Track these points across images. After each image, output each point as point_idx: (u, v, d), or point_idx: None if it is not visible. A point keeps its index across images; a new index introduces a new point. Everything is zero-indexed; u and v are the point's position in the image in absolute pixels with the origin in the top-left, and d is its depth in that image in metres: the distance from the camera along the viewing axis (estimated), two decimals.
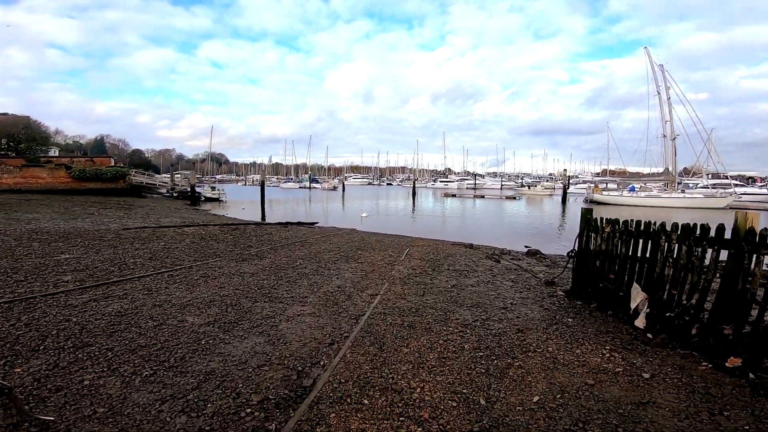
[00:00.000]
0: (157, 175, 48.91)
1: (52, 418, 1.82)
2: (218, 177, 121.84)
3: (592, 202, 40.39)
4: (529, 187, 61.77)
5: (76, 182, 35.46)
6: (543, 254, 11.36)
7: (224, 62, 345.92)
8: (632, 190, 42.15)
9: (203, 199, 38.90)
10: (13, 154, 45.86)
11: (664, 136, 41.28)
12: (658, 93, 41.12)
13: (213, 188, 42.86)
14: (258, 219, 22.68)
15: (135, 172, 45.19)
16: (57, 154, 50.83)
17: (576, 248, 5.64)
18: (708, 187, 39.91)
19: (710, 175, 43.08)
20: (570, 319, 4.71)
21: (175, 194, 41.30)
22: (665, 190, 40.39)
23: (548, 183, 68.32)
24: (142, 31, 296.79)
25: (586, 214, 5.35)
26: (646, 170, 47.91)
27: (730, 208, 34.44)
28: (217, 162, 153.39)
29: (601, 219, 5.12)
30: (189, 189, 37.50)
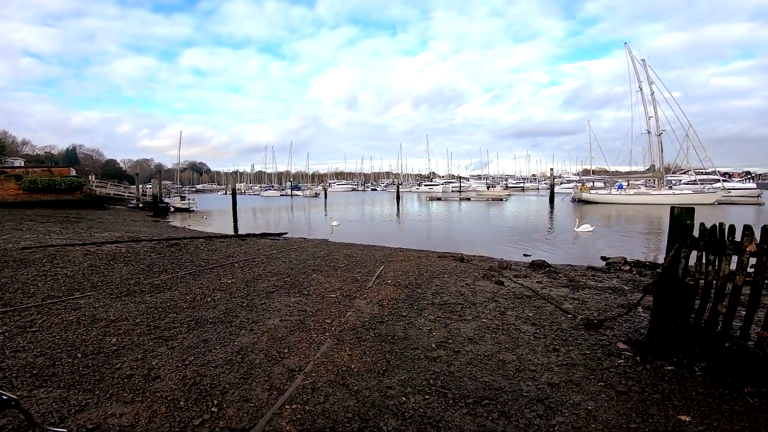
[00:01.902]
0: (123, 187, 45.59)
1: (65, 431, 1.58)
2: (198, 186, 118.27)
3: (580, 201, 39.10)
4: (488, 188, 60.04)
5: (26, 194, 32.29)
6: (551, 266, 9.08)
7: (206, 70, 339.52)
8: (620, 187, 41.07)
9: (172, 210, 36.15)
10: None
11: (648, 132, 40.33)
12: (641, 89, 40.17)
13: (183, 198, 39.92)
14: (227, 230, 20.08)
15: (97, 182, 42.04)
16: (22, 164, 47.15)
17: (661, 276, 3.31)
18: (696, 183, 38.84)
19: (690, 171, 42.14)
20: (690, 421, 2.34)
21: (140, 205, 38.33)
22: (653, 187, 39.34)
23: (502, 185, 67.55)
24: (121, 39, 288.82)
25: (685, 219, 3.02)
26: (625, 169, 46.94)
27: (719, 204, 33.59)
28: (198, 171, 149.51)
29: (722, 228, 2.82)
30: (153, 200, 34.46)
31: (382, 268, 7.82)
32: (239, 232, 18.43)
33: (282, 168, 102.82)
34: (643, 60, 39.78)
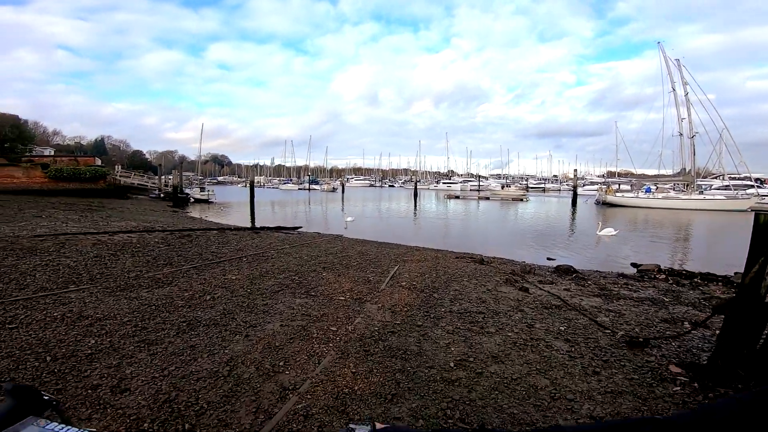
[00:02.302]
0: (147, 177, 46.37)
1: (95, 430, 1.18)
2: (220, 178, 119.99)
3: (605, 204, 37.69)
4: (502, 188, 58.50)
5: (52, 182, 32.97)
6: (578, 272, 8.44)
7: (232, 65, 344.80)
8: (648, 191, 39.36)
9: (192, 200, 36.58)
10: None
11: (680, 134, 38.57)
12: (674, 90, 38.43)
13: (202, 189, 40.33)
14: (244, 222, 19.96)
15: (121, 172, 42.89)
16: (52, 154, 48.58)
17: (738, 294, 2.74)
18: (729, 188, 36.96)
19: (723, 176, 40.19)
20: None
21: (162, 196, 38.90)
22: (683, 191, 37.63)
23: (521, 185, 65.73)
24: (151, 33, 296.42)
25: None
26: (652, 172, 45.12)
27: (752, 210, 31.78)
28: (220, 163, 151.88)
29: None
30: (173, 191, 34.86)
31: (396, 268, 7.35)
32: (255, 225, 18.26)
33: (301, 162, 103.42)
34: (677, 60, 38.03)
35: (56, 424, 0.67)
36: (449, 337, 3.79)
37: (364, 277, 6.49)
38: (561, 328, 4.17)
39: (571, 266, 8.78)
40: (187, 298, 4.86)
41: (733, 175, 39.12)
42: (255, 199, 30.80)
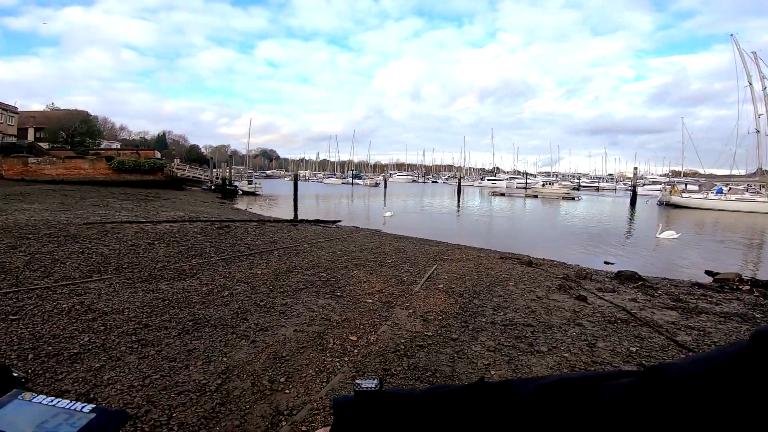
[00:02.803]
0: (201, 170, 48.61)
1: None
2: (268, 172, 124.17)
3: (669, 205, 34.59)
4: (543, 185, 54.89)
5: (115, 174, 35.25)
6: (643, 278, 7.40)
7: (279, 62, 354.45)
8: (720, 192, 35.63)
9: (240, 193, 37.84)
10: (69, 147, 47.40)
11: (757, 131, 34.52)
12: (750, 84, 34.38)
13: (250, 182, 41.61)
14: (286, 214, 20.11)
15: (177, 165, 45.25)
16: (119, 147, 52.34)
17: None
18: None
19: None
20: None
21: (213, 188, 40.50)
22: (759, 193, 33.68)
23: (565, 183, 61.52)
24: (205, 31, 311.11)
25: None
26: (723, 172, 40.76)
27: None
28: (269, 158, 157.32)
29: None
30: (222, 183, 36.16)
31: (434, 267, 6.74)
32: (297, 218, 18.28)
33: (345, 157, 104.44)
34: (754, 53, 34.11)
35: (44, 396, 0.58)
36: (490, 355, 3.17)
37: (397, 276, 5.95)
38: (632, 348, 3.40)
39: (636, 272, 7.73)
40: (205, 293, 4.57)
41: None
42: (299, 193, 31.19)
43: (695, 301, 5.67)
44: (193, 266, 5.91)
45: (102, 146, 52.62)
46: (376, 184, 67.64)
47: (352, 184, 71.48)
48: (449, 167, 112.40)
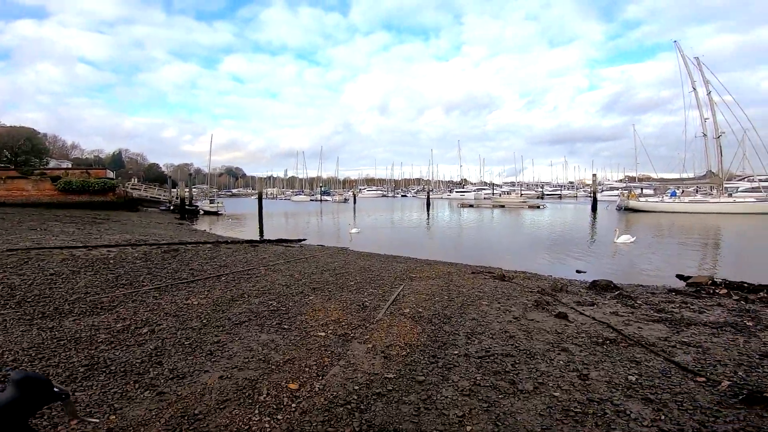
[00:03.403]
0: (158, 189, 46.29)
1: (97, 420, 1.78)
2: (234, 190, 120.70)
3: (627, 209, 35.79)
4: (499, 195, 56.28)
5: (62, 195, 32.88)
6: (618, 287, 7.06)
7: (245, 77, 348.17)
8: (674, 195, 37.28)
9: (202, 213, 36.13)
10: (12, 167, 44.04)
11: (704, 135, 36.48)
12: (694, 89, 36.46)
13: (212, 201, 39.77)
14: (251, 234, 18.98)
15: (131, 185, 42.95)
16: (69, 167, 49.07)
17: None
18: (760, 190, 34.63)
19: (752, 177, 37.92)
20: None
21: (172, 208, 38.52)
22: (710, 194, 35.49)
23: (528, 192, 63.72)
24: (167, 46, 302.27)
25: None
26: (673, 176, 42.88)
27: None
28: (234, 176, 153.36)
29: None
30: (180, 203, 34.38)
31: (401, 288, 6.11)
32: (263, 237, 17.30)
33: (313, 173, 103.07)
34: (697, 58, 36.18)
35: None
36: (464, 402, 2.54)
37: (359, 300, 5.27)
38: (630, 377, 2.87)
39: (611, 281, 7.39)
40: (118, 330, 3.74)
41: (757, 177, 36.74)
42: (265, 211, 29.99)
43: (679, 311, 5.30)
44: (115, 298, 5.00)
45: (50, 165, 49.25)
46: (346, 200, 66.86)
47: (321, 200, 70.35)
48: (418, 180, 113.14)
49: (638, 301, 5.90)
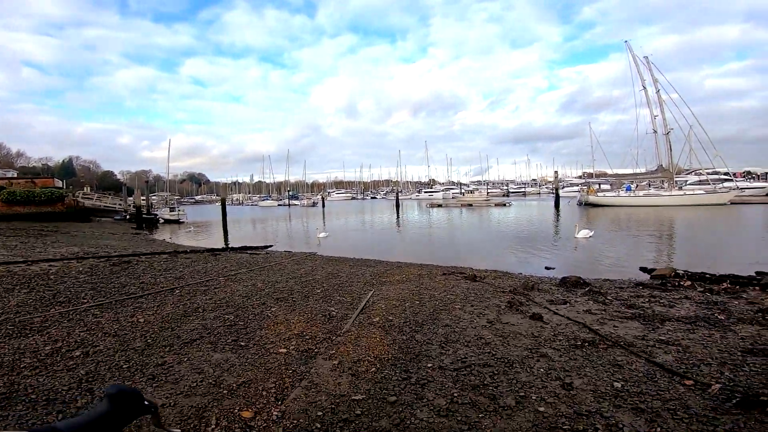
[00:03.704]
0: (111, 198, 43.78)
1: (179, 431, 1.71)
2: (197, 197, 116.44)
3: (587, 204, 37.13)
4: (463, 194, 57.67)
5: (5, 206, 30.59)
6: (589, 283, 7.06)
7: (207, 80, 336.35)
8: (629, 189, 39.10)
9: (161, 221, 34.34)
10: None
11: (655, 131, 38.41)
12: (644, 88, 38.31)
13: (172, 209, 37.93)
14: (214, 242, 18.06)
15: (83, 194, 40.45)
16: (15, 176, 45.49)
17: None
18: (708, 183, 36.88)
19: (700, 171, 40.42)
20: None
21: (128, 217, 36.46)
22: (662, 188, 37.45)
23: (494, 190, 66.01)
24: (123, 49, 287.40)
25: None
26: (625, 171, 45.09)
27: (732, 204, 31.76)
28: (197, 182, 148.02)
29: None
30: (136, 212, 32.59)
31: (370, 294, 5.80)
32: (227, 245, 16.51)
33: (280, 178, 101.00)
34: (646, 57, 37.93)
35: None
36: (442, 425, 2.26)
37: (325, 310, 4.91)
38: (616, 384, 2.69)
39: (580, 277, 7.39)
40: (47, 353, 3.25)
41: (705, 170, 39.06)
42: (231, 218, 28.90)
43: (649, 305, 5.28)
44: (49, 317, 4.42)
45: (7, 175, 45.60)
46: (314, 204, 65.84)
47: (289, 205, 68.92)
48: (387, 182, 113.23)
49: (609, 297, 5.86)
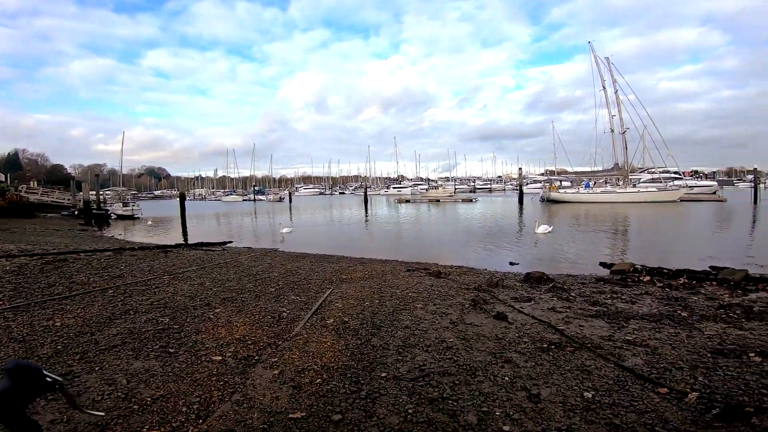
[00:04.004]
0: (59, 192, 40.86)
1: (102, 413, 1.67)
2: (157, 192, 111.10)
3: (549, 200, 38.20)
4: (427, 190, 58.50)
5: None
6: (551, 278, 6.96)
7: (170, 72, 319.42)
8: (587, 186, 40.55)
9: (114, 217, 32.24)
10: None
11: (612, 131, 39.97)
12: (604, 88, 39.74)
13: (125, 204, 35.62)
14: (171, 239, 16.91)
15: (27, 188, 37.48)
16: None
17: None
18: (660, 181, 38.82)
19: (654, 169, 42.62)
20: None
21: (77, 213, 34.03)
22: (618, 185, 39.10)
23: (461, 186, 67.34)
24: (79, 39, 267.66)
25: None
26: (585, 169, 46.84)
27: (682, 201, 33.60)
28: (157, 177, 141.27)
29: None
30: (84, 207, 30.47)
31: (328, 292, 5.40)
32: (187, 241, 15.57)
33: (246, 173, 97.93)
34: (607, 58, 39.30)
35: None
36: None
37: (275, 311, 4.48)
38: (586, 393, 2.44)
39: (544, 273, 7.27)
40: None
41: (656, 169, 41.08)
42: (193, 213, 27.55)
43: (612, 302, 5.18)
44: None
45: None
46: (281, 199, 64.30)
47: (255, 200, 66.92)
48: (356, 178, 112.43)
49: (572, 294, 5.75)
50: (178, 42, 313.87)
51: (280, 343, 3.43)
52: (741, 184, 63.73)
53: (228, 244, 13.98)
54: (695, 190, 40.80)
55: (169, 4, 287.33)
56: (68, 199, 38.39)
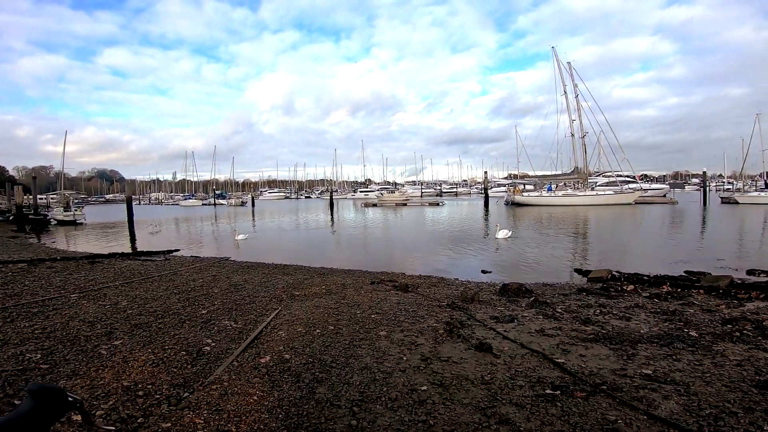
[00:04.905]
0: None
1: (113, 429, 1.63)
2: (108, 196, 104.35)
3: (514, 204, 38.65)
4: (383, 194, 58.59)
5: None
6: (530, 290, 6.28)
7: (128, 71, 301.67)
8: (549, 189, 41.39)
9: (54, 223, 29.38)
10: None
11: (572, 135, 41.00)
12: (565, 93, 40.73)
13: (67, 209, 32.53)
14: (117, 247, 15.05)
15: None
16: None
17: None
18: (616, 184, 40.15)
19: (610, 173, 44.18)
20: None
21: (11, 218, 30.82)
22: (578, 188, 40.11)
23: (428, 190, 68.28)
24: (30, 35, 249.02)
25: None
26: (546, 173, 48.00)
27: (637, 203, 34.90)
28: (109, 180, 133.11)
29: None
30: (17, 211, 27.62)
31: (273, 315, 4.40)
32: (136, 249, 13.96)
33: (207, 176, 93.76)
34: (569, 63, 40.35)
35: None
36: None
37: (196, 343, 3.45)
38: None
39: (521, 284, 6.55)
40: None
41: (612, 173, 42.52)
42: (145, 218, 25.35)
43: (604, 319, 4.51)
44: None
45: None
46: (243, 204, 61.66)
47: (215, 204, 63.91)
48: (323, 181, 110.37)
49: (558, 309, 5.04)
50: (138, 40, 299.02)
51: (186, 395, 2.44)
52: (688, 187, 67.45)
53: (173, 253, 12.56)
54: (649, 192, 42.50)
55: (132, 2, 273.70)
56: (4, 204, 34.90)
